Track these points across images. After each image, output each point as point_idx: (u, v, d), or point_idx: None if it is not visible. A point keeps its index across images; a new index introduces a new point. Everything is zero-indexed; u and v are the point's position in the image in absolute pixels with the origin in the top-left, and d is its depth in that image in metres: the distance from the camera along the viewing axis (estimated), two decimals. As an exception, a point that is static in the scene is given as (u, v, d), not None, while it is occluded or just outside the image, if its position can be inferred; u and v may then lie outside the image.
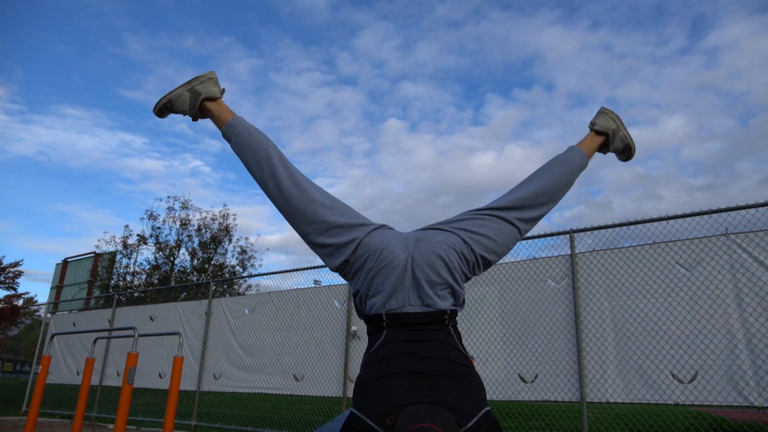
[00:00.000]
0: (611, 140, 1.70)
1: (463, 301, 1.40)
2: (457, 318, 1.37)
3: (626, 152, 1.75)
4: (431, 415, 1.02)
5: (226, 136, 1.52)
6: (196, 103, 1.56)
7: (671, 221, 4.70)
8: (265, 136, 1.50)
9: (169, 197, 24.05)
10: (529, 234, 5.53)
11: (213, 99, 1.57)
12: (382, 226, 1.43)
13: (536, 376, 5.10)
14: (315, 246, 1.42)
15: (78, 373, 9.97)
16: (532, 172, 1.56)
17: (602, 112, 1.73)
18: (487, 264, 1.42)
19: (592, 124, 1.72)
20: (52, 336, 5.36)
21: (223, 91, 1.59)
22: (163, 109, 1.58)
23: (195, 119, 1.61)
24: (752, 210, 4.33)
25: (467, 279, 1.40)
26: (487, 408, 1.14)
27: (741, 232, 4.43)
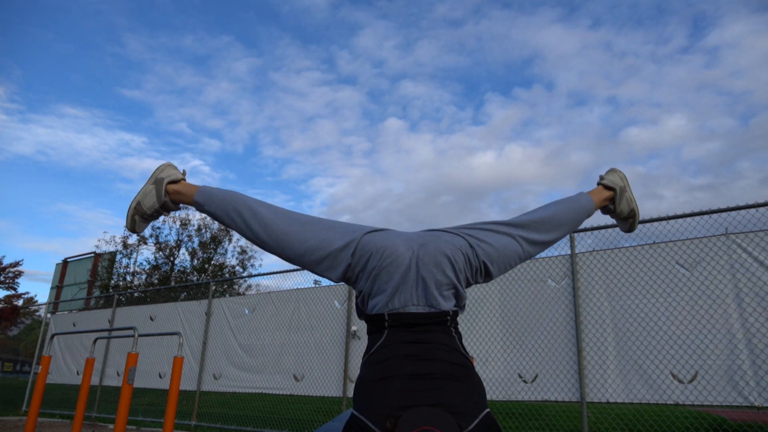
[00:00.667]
0: (618, 198, 1.73)
1: (464, 304, 1.40)
2: (458, 318, 1.36)
3: (630, 218, 1.77)
4: (432, 418, 1.02)
5: (198, 204, 1.54)
6: (162, 188, 1.58)
7: (671, 221, 4.70)
8: (234, 193, 1.53)
9: (169, 197, 24.03)
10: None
11: (176, 181, 1.60)
12: (382, 228, 1.42)
13: (536, 376, 5.10)
14: (313, 265, 1.40)
15: (78, 373, 9.97)
16: (560, 226, 1.60)
17: (612, 170, 1.78)
18: (488, 274, 1.42)
19: (600, 179, 1.76)
20: (52, 336, 5.36)
21: (184, 173, 1.63)
22: (135, 217, 1.59)
23: (167, 210, 1.62)
24: (752, 210, 4.33)
25: (469, 284, 1.39)
26: (488, 410, 1.14)
27: (741, 232, 4.43)
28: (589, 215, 1.66)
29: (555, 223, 1.53)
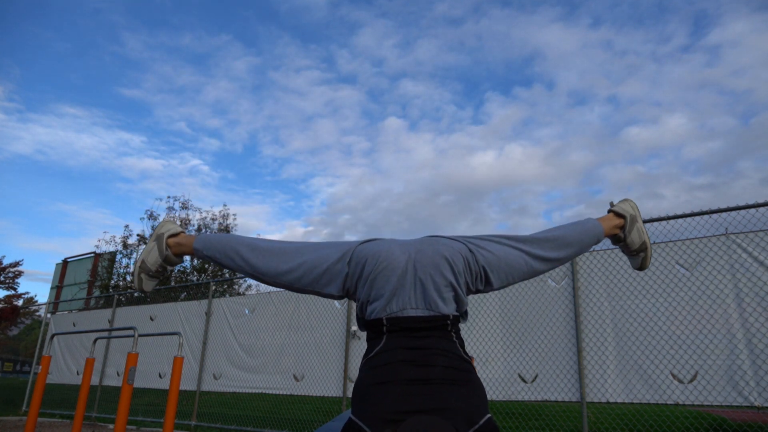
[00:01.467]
0: (628, 226, 1.70)
1: (466, 312, 1.38)
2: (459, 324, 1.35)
3: (642, 252, 1.72)
4: (431, 425, 1.02)
5: (198, 250, 1.59)
6: (162, 243, 1.65)
7: (671, 221, 4.70)
8: (230, 235, 1.60)
9: (169, 197, 24.06)
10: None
11: (176, 234, 1.67)
12: (376, 238, 1.42)
13: (536, 376, 5.10)
14: (313, 283, 1.40)
15: (78, 373, 9.97)
16: (571, 245, 1.59)
17: (625, 200, 1.76)
18: (489, 282, 1.39)
19: (611, 206, 1.75)
20: (52, 336, 5.35)
21: (184, 227, 1.69)
22: (141, 275, 1.65)
23: (171, 264, 1.69)
24: (752, 210, 4.32)
25: (469, 291, 1.37)
26: (489, 415, 1.13)
27: (741, 232, 4.43)
28: (598, 240, 1.63)
29: (562, 242, 1.51)
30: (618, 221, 1.70)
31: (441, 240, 1.36)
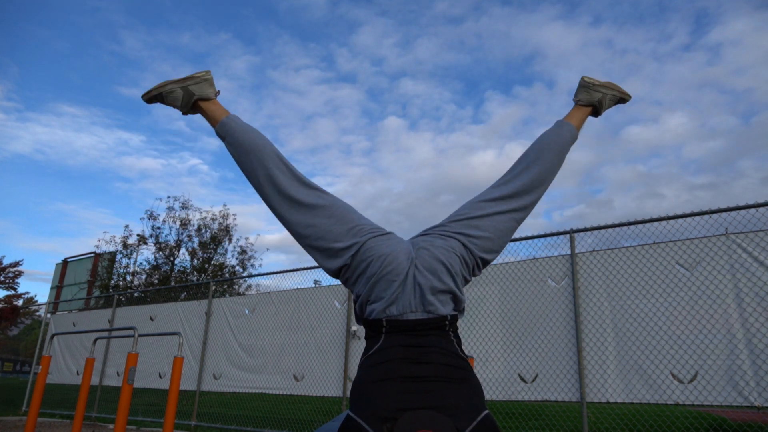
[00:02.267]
0: (600, 107, 1.71)
1: (463, 308, 1.39)
2: (457, 323, 1.36)
3: (621, 102, 1.77)
4: (429, 421, 1.03)
5: (220, 135, 1.51)
6: (189, 102, 1.54)
7: (671, 221, 4.70)
8: (262, 135, 1.48)
9: (168, 197, 24.08)
10: (529, 234, 5.53)
11: (207, 99, 1.55)
12: (386, 233, 1.41)
13: (536, 376, 5.10)
14: (312, 249, 1.41)
15: (78, 373, 9.97)
16: (523, 155, 1.57)
17: (582, 86, 1.72)
18: (486, 264, 1.43)
19: (577, 100, 1.73)
20: (52, 336, 5.36)
21: (217, 93, 1.58)
22: (153, 99, 1.55)
23: (185, 114, 1.60)
24: (752, 210, 4.32)
25: (467, 282, 1.40)
26: (486, 411, 1.14)
27: (741, 232, 4.43)
28: (574, 138, 1.64)
29: (546, 177, 1.52)
30: (588, 110, 1.71)
31: (436, 242, 1.37)
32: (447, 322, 1.28)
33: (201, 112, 1.57)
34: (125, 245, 21.16)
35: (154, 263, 21.25)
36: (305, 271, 7.42)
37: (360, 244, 1.35)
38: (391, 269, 1.29)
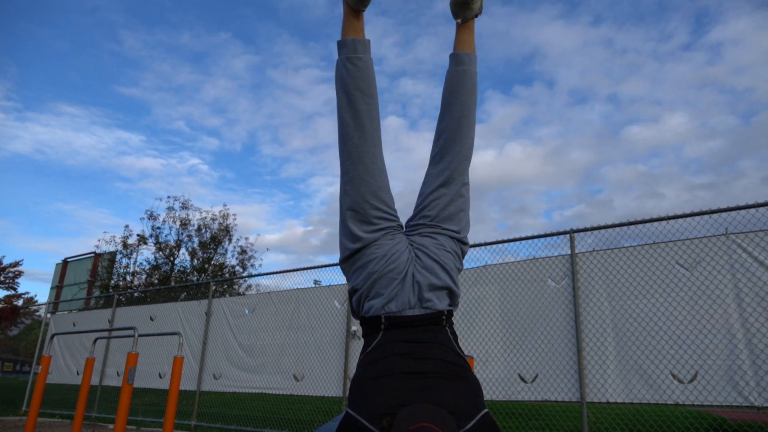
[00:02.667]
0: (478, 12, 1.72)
1: (458, 302, 1.44)
2: (457, 318, 1.38)
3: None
4: (430, 415, 1.02)
5: (359, 53, 1.53)
6: None
7: (671, 221, 4.70)
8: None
9: (168, 197, 24.08)
10: (528, 234, 5.53)
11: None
12: (397, 227, 1.45)
13: (536, 376, 5.10)
14: (344, 227, 1.43)
15: (78, 373, 9.97)
16: (445, 111, 1.63)
17: (460, 2, 1.69)
18: (466, 242, 1.50)
19: (461, 20, 1.72)
20: (52, 336, 5.36)
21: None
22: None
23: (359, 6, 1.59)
24: (752, 210, 4.33)
25: (460, 272, 1.46)
26: (486, 410, 1.14)
27: (741, 232, 4.43)
28: (459, 61, 1.69)
29: (470, 144, 1.57)
30: (473, 22, 1.72)
31: (424, 241, 1.41)
32: (444, 317, 1.30)
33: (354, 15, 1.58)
34: (125, 245, 21.16)
35: (154, 263, 21.26)
36: (305, 271, 7.43)
37: (371, 241, 1.38)
38: (393, 268, 1.33)
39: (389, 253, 1.35)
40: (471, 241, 2.72)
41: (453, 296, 1.38)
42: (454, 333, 1.34)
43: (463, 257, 1.48)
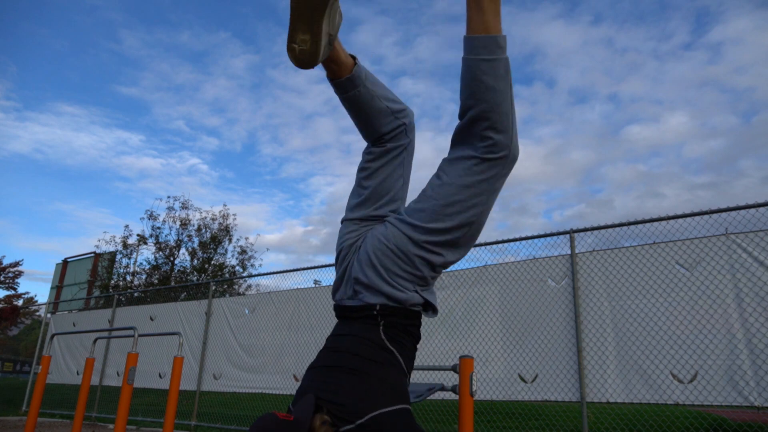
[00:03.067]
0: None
1: (415, 304, 1.26)
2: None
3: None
4: (301, 407, 1.06)
5: (354, 79, 1.35)
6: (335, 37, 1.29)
7: (671, 221, 4.70)
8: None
9: (168, 197, 24.08)
10: (529, 234, 5.53)
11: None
12: (386, 218, 1.38)
13: (536, 376, 5.10)
14: (351, 202, 1.45)
15: (78, 373, 9.96)
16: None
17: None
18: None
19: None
20: (52, 336, 5.36)
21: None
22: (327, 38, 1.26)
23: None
24: (752, 210, 4.32)
25: (418, 277, 1.25)
26: (378, 412, 1.05)
27: (741, 232, 4.43)
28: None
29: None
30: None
31: (377, 230, 1.33)
32: (375, 312, 1.23)
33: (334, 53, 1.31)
34: (125, 245, 21.15)
35: (154, 263, 21.25)
36: (305, 271, 7.43)
37: (363, 236, 1.40)
38: (343, 256, 1.37)
39: (353, 245, 1.37)
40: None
41: (391, 298, 1.23)
42: (396, 329, 1.23)
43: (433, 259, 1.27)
